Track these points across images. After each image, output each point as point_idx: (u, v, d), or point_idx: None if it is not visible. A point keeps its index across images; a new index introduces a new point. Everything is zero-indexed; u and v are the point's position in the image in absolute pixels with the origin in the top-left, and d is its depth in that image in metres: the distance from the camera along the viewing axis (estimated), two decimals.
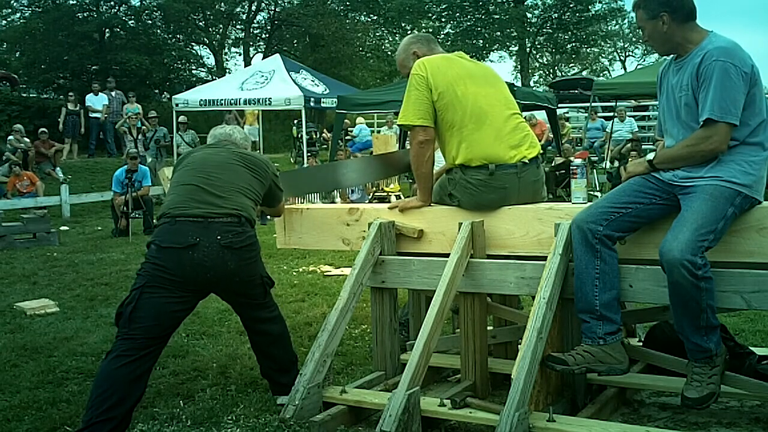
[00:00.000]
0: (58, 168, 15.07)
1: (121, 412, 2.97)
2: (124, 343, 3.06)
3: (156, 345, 3.13)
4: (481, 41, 32.19)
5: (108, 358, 3.06)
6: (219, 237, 3.14)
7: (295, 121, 18.20)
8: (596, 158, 14.80)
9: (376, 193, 12.43)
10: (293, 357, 3.53)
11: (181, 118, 15.09)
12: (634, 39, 39.71)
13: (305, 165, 14.50)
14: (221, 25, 30.88)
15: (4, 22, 27.60)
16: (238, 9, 30.87)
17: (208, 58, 31.14)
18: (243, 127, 14.93)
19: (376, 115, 18.99)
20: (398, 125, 3.60)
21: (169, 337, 3.23)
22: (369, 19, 32.60)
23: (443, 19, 32.83)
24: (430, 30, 31.87)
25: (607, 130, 15.63)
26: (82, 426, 2.94)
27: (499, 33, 31.98)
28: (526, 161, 3.39)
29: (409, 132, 3.49)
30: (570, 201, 3.61)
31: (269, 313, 3.46)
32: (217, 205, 3.20)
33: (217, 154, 3.46)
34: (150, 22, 28.56)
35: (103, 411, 2.92)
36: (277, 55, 17.46)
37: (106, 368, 3.03)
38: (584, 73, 36.24)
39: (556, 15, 32.24)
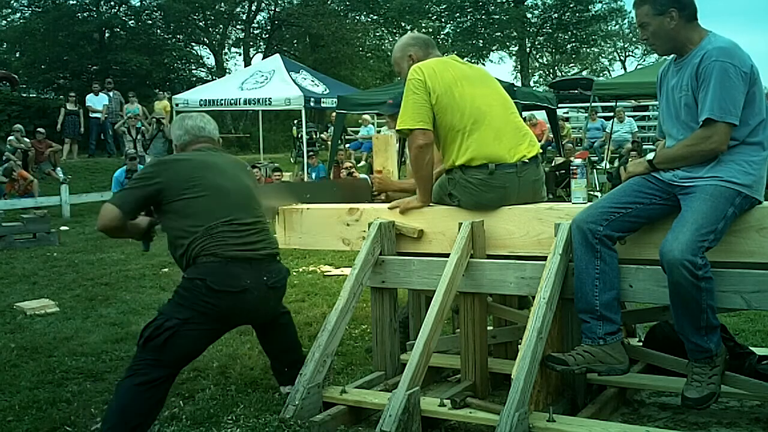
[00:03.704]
0: (58, 168, 15.07)
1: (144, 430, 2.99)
2: (154, 370, 3.01)
3: (178, 371, 3.17)
4: (481, 41, 32.20)
5: (135, 382, 2.98)
6: (265, 278, 3.21)
7: (295, 121, 18.20)
8: (596, 158, 14.80)
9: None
10: (296, 339, 3.60)
11: None
12: (634, 39, 39.68)
13: (306, 164, 14.51)
14: (221, 26, 30.88)
15: (4, 22, 27.63)
16: (238, 9, 30.88)
17: (208, 58, 31.20)
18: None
19: (376, 114, 18.98)
20: (396, 131, 3.54)
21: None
22: (369, 19, 32.60)
23: (443, 19, 32.84)
24: (430, 30, 31.87)
25: (607, 130, 15.64)
26: None
27: (499, 33, 31.99)
28: (526, 160, 3.39)
29: (407, 136, 3.45)
30: (570, 201, 3.61)
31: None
32: (259, 247, 3.25)
33: (225, 174, 3.33)
34: (150, 22, 28.58)
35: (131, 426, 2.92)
36: (277, 55, 17.46)
37: (133, 392, 2.97)
38: (584, 73, 36.22)
39: (556, 15, 32.25)
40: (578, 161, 3.69)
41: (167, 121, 14.77)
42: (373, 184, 4.24)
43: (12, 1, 26.87)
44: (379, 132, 18.07)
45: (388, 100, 4.57)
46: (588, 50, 37.77)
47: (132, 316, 5.34)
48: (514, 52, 34.76)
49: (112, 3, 27.33)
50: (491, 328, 3.77)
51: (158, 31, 28.76)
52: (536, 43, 33.99)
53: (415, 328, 3.67)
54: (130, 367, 3.06)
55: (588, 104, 16.32)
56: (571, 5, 31.50)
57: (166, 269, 7.12)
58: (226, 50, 32.09)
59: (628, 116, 16.44)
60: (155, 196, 3.20)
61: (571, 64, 39.77)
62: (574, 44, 34.18)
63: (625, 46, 42.33)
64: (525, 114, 14.47)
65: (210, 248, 3.14)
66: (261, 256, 3.23)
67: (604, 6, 33.20)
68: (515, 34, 31.53)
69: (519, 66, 35.59)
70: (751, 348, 3.47)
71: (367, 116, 18.44)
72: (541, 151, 3.59)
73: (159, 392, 3.02)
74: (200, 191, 3.20)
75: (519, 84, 27.70)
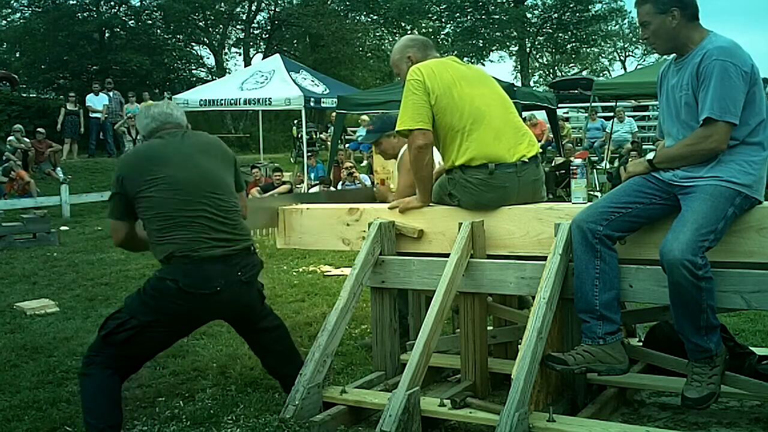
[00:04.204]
0: (58, 168, 15.07)
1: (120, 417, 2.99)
2: (112, 362, 3.04)
3: (140, 364, 3.19)
4: (481, 41, 32.18)
5: (94, 373, 3.01)
6: (239, 273, 3.16)
7: (295, 121, 18.20)
8: (596, 158, 14.80)
9: None
10: (296, 349, 3.53)
11: None
12: (634, 39, 39.66)
13: (305, 165, 14.50)
14: (221, 26, 30.87)
15: (4, 22, 27.62)
16: (238, 9, 30.87)
17: (208, 58, 31.20)
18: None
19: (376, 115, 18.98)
20: (396, 132, 3.57)
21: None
22: (369, 19, 32.60)
23: (443, 19, 32.82)
24: (430, 30, 31.87)
25: (607, 130, 15.64)
26: None
27: (499, 33, 31.96)
28: (526, 160, 3.39)
29: (407, 137, 3.44)
30: (570, 201, 3.61)
31: (266, 316, 3.46)
32: (233, 240, 3.16)
33: (188, 162, 3.16)
34: (150, 22, 28.58)
35: (110, 417, 2.93)
36: (277, 55, 17.44)
37: (103, 384, 3.00)
38: (584, 73, 36.23)
39: (556, 15, 32.22)
40: (578, 161, 3.69)
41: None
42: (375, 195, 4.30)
43: (12, 1, 26.86)
44: None
45: (368, 126, 4.58)
46: (588, 50, 37.75)
47: None
48: (514, 52, 34.74)
49: (112, 3, 27.33)
50: (491, 328, 3.77)
51: (158, 31, 28.76)
52: (536, 43, 33.96)
53: (415, 328, 3.67)
54: (89, 356, 3.07)
55: (588, 104, 16.32)
56: (571, 5, 31.47)
57: None
58: (226, 50, 32.12)
59: (628, 116, 16.43)
60: (127, 195, 3.12)
61: (571, 64, 39.76)
62: (574, 44, 34.15)
63: (625, 46, 42.33)
64: (525, 114, 14.45)
65: (183, 248, 3.05)
66: (235, 252, 3.16)
67: (604, 6, 33.18)
68: (515, 34, 31.51)
69: (519, 66, 35.57)
70: (751, 348, 3.47)
71: (365, 117, 18.42)
72: (540, 150, 3.58)
73: (118, 382, 3.04)
74: (161, 189, 3.08)
75: (519, 84, 27.67)
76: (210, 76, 28.29)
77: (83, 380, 3.04)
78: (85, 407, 2.98)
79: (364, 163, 16.48)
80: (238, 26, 31.86)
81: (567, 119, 19.43)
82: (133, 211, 3.17)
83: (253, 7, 31.16)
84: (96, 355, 3.06)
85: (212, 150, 3.30)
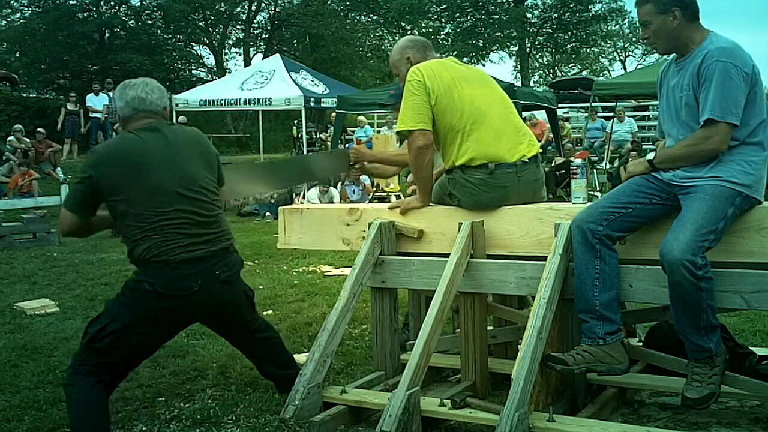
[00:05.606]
0: (58, 168, 15.07)
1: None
2: (98, 371, 2.98)
3: (125, 371, 3.15)
4: (481, 41, 32.20)
5: (80, 383, 2.95)
6: (218, 272, 3.11)
7: (295, 121, 18.20)
8: (596, 158, 14.80)
9: (376, 193, 12.45)
10: (290, 355, 3.55)
11: (181, 118, 15.11)
12: (634, 39, 39.68)
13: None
14: (221, 26, 30.89)
15: (4, 22, 27.65)
16: (238, 9, 30.89)
17: (208, 58, 31.22)
18: None
19: (376, 115, 18.98)
20: (396, 133, 3.56)
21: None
22: (369, 19, 32.61)
23: (443, 19, 32.84)
24: (430, 30, 31.88)
25: (607, 130, 15.65)
26: None
27: (499, 33, 31.98)
28: (526, 160, 3.39)
29: (407, 137, 3.45)
30: (570, 201, 3.61)
31: (259, 326, 3.46)
32: (212, 241, 3.11)
33: (163, 165, 3.04)
34: (150, 22, 28.61)
35: (98, 427, 2.90)
36: (277, 55, 17.47)
37: (89, 393, 2.95)
38: (584, 73, 36.23)
39: (556, 15, 32.25)
40: (578, 161, 3.69)
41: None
42: (350, 155, 4.21)
43: (12, 1, 26.88)
44: (378, 132, 18.05)
45: (390, 91, 4.59)
46: (588, 50, 37.76)
47: None
48: (514, 52, 34.76)
49: (112, 3, 27.36)
50: (491, 328, 3.77)
51: (158, 31, 28.79)
52: (536, 43, 33.98)
53: (415, 328, 3.67)
54: (73, 365, 3.02)
55: (588, 104, 16.32)
56: (571, 5, 31.49)
57: None
58: (226, 50, 32.13)
59: (628, 116, 16.43)
60: (95, 192, 3.04)
61: (571, 64, 39.78)
62: (574, 44, 34.16)
63: (625, 46, 42.34)
64: (525, 114, 14.46)
65: (159, 253, 2.98)
66: (212, 252, 3.11)
67: (604, 6, 33.21)
68: (515, 34, 31.52)
69: (519, 66, 35.58)
70: (751, 348, 3.47)
71: (362, 117, 18.42)
72: (541, 150, 3.58)
73: (104, 391, 2.99)
74: (140, 191, 3.00)
75: (519, 84, 27.67)
76: (210, 76, 28.33)
77: (68, 390, 2.97)
78: (73, 419, 2.92)
79: None
80: (238, 26, 31.88)
81: (567, 119, 19.43)
82: (93, 207, 3.11)
83: (253, 7, 31.18)
84: (80, 364, 3.00)
85: (194, 148, 3.19)
